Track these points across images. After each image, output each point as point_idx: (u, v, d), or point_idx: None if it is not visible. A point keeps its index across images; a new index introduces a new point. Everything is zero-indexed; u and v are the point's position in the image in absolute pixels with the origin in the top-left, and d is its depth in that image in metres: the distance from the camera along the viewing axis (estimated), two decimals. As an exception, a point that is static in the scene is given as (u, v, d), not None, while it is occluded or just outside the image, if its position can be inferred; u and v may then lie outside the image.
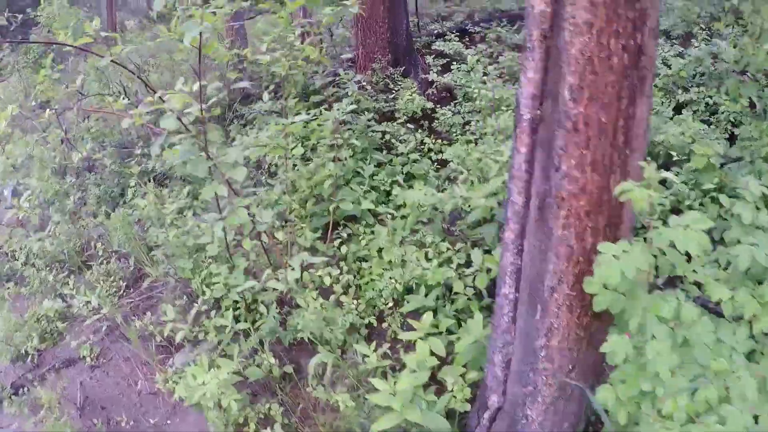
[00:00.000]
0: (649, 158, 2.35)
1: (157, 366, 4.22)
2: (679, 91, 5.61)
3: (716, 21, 6.53)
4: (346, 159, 5.14)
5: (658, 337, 2.21)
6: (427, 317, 3.64)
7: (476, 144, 5.38)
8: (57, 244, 5.18)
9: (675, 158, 4.50)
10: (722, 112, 5.06)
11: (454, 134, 5.67)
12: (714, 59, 5.55)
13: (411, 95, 5.65)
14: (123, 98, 4.03)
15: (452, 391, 3.24)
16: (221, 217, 3.30)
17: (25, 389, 4.25)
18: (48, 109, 3.92)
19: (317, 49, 4.54)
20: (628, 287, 2.32)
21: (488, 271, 3.78)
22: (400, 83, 6.16)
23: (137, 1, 12.30)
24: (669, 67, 6.00)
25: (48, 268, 5.12)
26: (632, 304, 2.33)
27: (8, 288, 5.02)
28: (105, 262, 5.16)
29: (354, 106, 5.28)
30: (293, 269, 3.59)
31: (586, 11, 2.11)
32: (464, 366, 3.49)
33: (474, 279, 3.82)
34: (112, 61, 3.24)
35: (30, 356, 4.56)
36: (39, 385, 4.29)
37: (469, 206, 4.40)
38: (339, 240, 4.66)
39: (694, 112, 5.20)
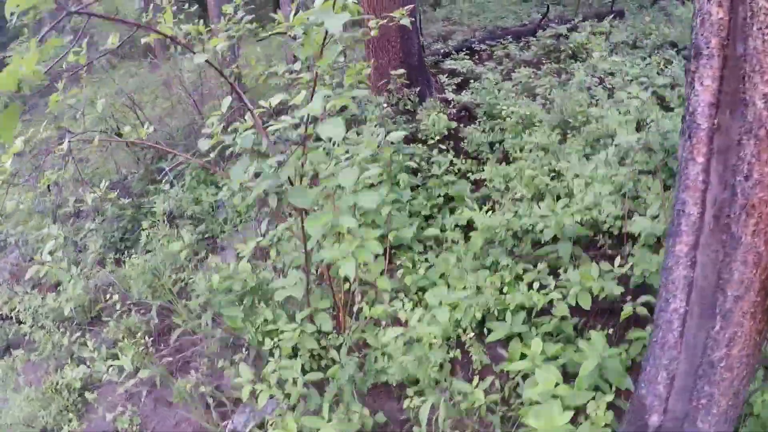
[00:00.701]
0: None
1: (220, 432, 3.71)
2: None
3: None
4: (381, 183, 4.86)
5: None
6: (537, 344, 3.41)
7: (508, 163, 5.24)
8: (64, 300, 4.52)
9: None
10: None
11: (484, 153, 5.51)
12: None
13: (437, 115, 5.44)
14: (146, 126, 3.56)
15: (592, 417, 3.01)
16: (351, 251, 2.85)
17: (62, 477, 3.63)
18: (67, 140, 3.37)
19: (362, 68, 4.26)
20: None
21: (590, 290, 3.61)
22: (421, 104, 5.95)
23: (108, 41, 11.57)
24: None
25: (59, 329, 4.45)
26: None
27: (16, 356, 4.30)
28: (124, 315, 4.56)
29: (383, 129, 5.03)
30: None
31: (784, 20, 2.04)
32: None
33: (576, 298, 3.62)
34: (206, 61, 2.77)
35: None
36: (77, 470, 3.68)
37: (534, 225, 4.24)
38: (400, 270, 4.33)
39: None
